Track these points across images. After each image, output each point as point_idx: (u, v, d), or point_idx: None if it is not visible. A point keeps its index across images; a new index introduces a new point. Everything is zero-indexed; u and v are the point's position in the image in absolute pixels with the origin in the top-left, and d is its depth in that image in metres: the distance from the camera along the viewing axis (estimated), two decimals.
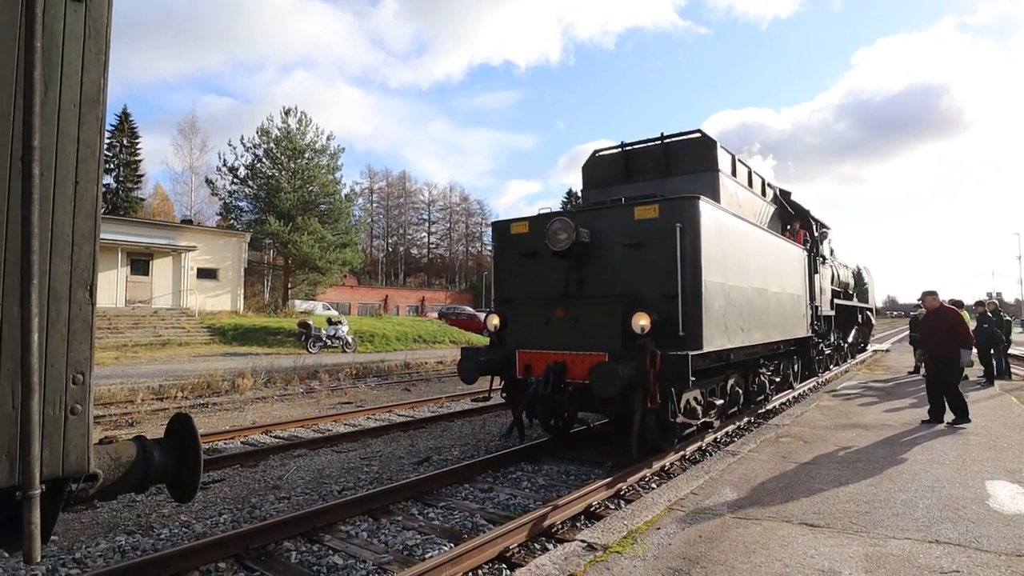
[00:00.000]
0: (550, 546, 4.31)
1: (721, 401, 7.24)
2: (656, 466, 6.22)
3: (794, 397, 11.17)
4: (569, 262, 6.80)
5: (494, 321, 7.53)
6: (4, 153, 1.57)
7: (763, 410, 9.52)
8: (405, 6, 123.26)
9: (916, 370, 14.84)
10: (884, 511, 4.33)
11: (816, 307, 11.62)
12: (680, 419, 6.18)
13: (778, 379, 9.92)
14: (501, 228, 7.87)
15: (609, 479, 5.51)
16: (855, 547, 3.65)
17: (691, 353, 5.65)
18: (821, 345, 13.39)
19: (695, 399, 6.65)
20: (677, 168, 8.37)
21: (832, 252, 17.50)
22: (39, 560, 1.63)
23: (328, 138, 38.66)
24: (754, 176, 9.77)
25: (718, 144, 8.26)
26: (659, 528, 4.04)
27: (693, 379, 5.67)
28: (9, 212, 1.58)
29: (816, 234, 12.51)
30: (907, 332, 23.12)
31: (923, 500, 4.58)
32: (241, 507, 5.41)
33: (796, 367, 11.37)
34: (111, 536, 4.73)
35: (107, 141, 45.05)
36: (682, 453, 6.79)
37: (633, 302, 6.18)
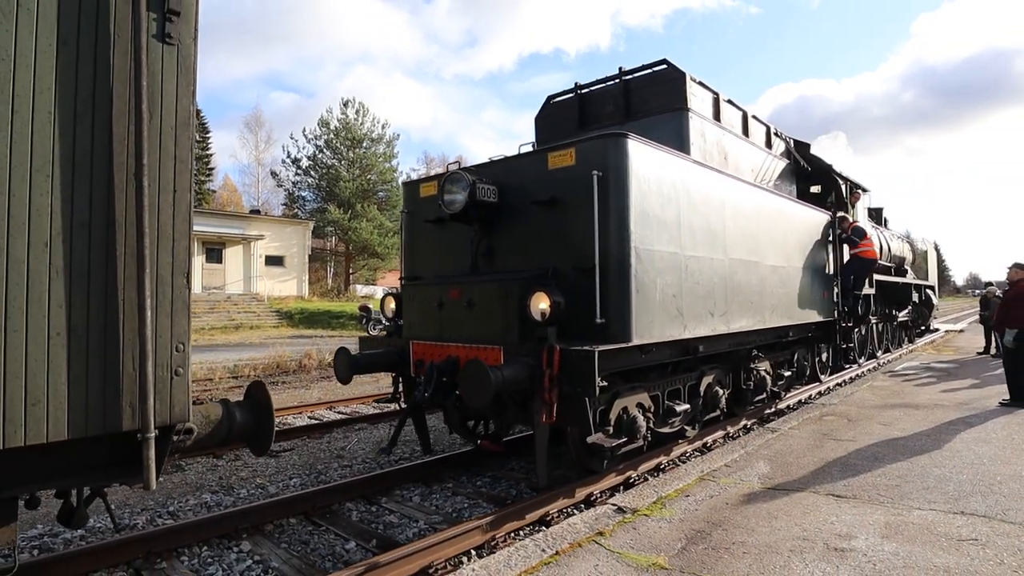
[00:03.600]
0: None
1: (686, 407, 5.62)
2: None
3: (818, 392, 9.39)
4: (474, 228, 5.51)
5: (390, 305, 6.26)
6: (122, 170, 2.01)
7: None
8: (457, 2, 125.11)
9: (986, 350, 14.25)
10: (915, 485, 4.43)
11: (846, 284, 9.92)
12: (595, 439, 4.55)
13: (787, 373, 8.13)
14: (410, 190, 6.45)
15: (650, 453, 5.65)
16: (876, 516, 3.80)
17: (600, 348, 4.24)
18: (862, 329, 11.51)
19: (638, 406, 5.10)
20: (638, 110, 6.85)
21: (885, 222, 15.94)
22: (155, 488, 2.09)
23: (384, 126, 39.77)
24: (752, 123, 7.92)
25: (688, 77, 6.52)
26: (688, 495, 4.30)
27: (603, 383, 4.28)
28: (127, 216, 2.03)
29: (846, 197, 10.46)
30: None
31: (958, 476, 4.63)
32: (309, 473, 5.98)
33: (825, 356, 9.79)
34: (198, 494, 5.38)
35: None
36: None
37: (534, 279, 4.81)
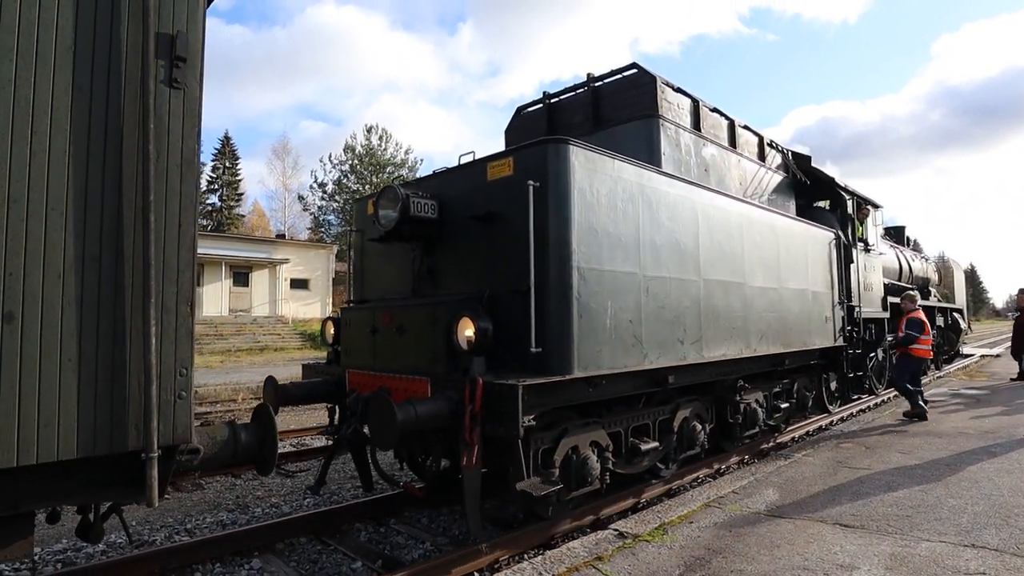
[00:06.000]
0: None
1: (654, 445, 5.12)
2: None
3: (826, 425, 8.72)
4: (413, 247, 5.15)
5: (330, 330, 5.92)
6: (130, 206, 2.17)
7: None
8: (479, 36, 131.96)
9: (1020, 376, 13.79)
10: (926, 515, 4.33)
11: (854, 308, 9.02)
12: (524, 486, 3.97)
13: (785, 405, 7.51)
14: (361, 206, 6.06)
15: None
16: (883, 546, 3.74)
17: (527, 382, 3.75)
18: (878, 354, 10.43)
19: (592, 445, 4.58)
20: (608, 119, 6.36)
21: (908, 241, 15.38)
22: (157, 506, 2.21)
23: (407, 152, 40.63)
24: (741, 132, 7.36)
25: (660, 81, 6.01)
26: (692, 522, 4.28)
27: (531, 422, 3.76)
28: (135, 249, 2.18)
29: (853, 212, 9.64)
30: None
31: (973, 507, 4.51)
32: (322, 493, 6.07)
33: (833, 385, 8.91)
34: (215, 512, 5.52)
35: (211, 164, 49.47)
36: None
37: (464, 303, 4.33)
